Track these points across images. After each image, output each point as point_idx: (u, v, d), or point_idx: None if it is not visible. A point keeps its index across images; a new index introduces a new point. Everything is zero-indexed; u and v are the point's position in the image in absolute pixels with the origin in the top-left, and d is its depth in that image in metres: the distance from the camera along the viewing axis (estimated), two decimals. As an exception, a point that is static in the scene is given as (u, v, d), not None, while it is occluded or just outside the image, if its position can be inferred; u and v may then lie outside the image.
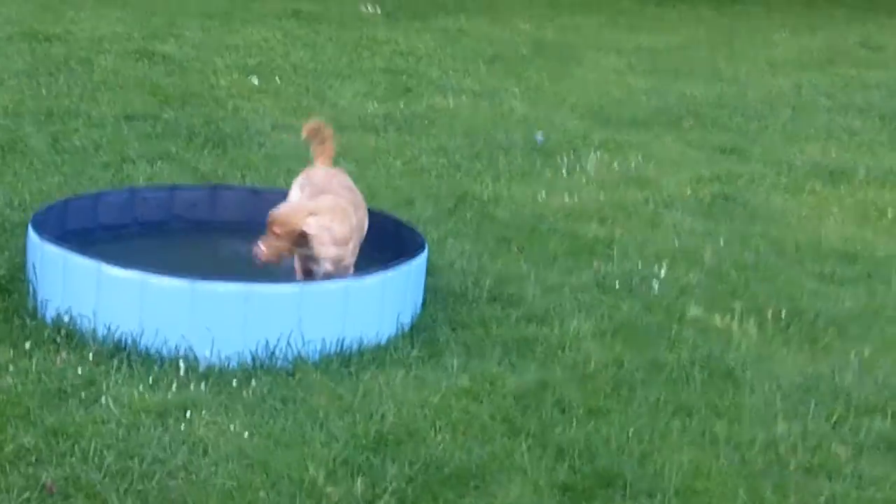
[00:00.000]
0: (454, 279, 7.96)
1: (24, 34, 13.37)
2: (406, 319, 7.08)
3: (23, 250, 7.35)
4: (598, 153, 11.06)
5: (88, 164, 9.60)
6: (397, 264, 6.95)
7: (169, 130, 10.65)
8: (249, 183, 9.51)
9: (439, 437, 6.05)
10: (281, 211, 6.94)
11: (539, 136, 11.45)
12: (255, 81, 12.59)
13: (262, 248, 6.78)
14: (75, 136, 10.22)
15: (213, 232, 7.90)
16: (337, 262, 6.92)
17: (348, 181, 7.56)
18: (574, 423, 6.28)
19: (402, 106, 12.24)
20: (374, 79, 13.13)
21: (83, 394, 6.18)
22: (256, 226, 6.98)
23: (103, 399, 6.15)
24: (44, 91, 11.43)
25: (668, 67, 14.89)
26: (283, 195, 7.62)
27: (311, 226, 6.80)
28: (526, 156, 10.89)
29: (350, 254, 7.00)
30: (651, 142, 11.69)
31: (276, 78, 12.77)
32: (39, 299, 6.87)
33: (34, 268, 6.94)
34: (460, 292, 7.75)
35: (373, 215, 7.76)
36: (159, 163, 9.80)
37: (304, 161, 10.16)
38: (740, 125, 12.60)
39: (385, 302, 6.88)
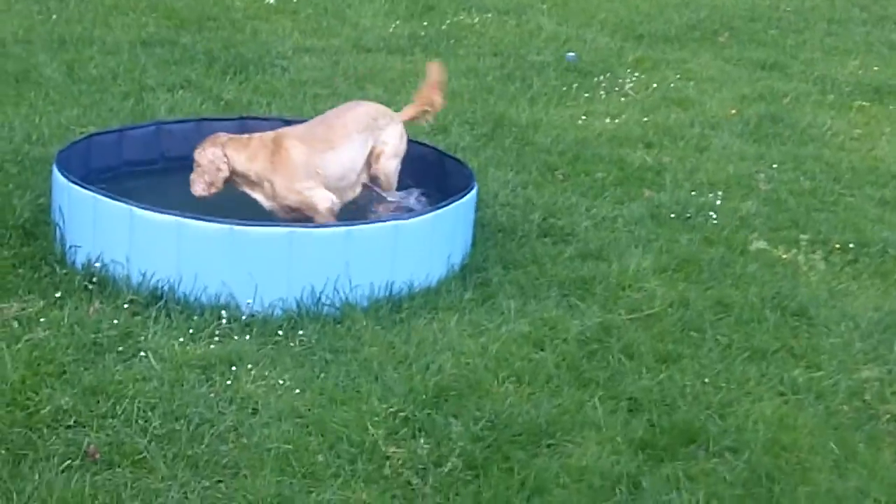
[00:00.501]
0: (500, 213, 7.48)
1: (30, -45, 12.71)
2: (456, 259, 6.62)
3: (47, 190, 6.85)
4: (635, 72, 10.52)
5: (107, 94, 9.08)
6: (447, 202, 6.44)
7: (187, 56, 10.11)
8: (275, 111, 8.99)
9: (503, 390, 5.62)
10: (202, 143, 6.60)
11: (571, 55, 10.91)
12: (272, 1, 12.00)
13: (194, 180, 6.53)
14: (91, 65, 9.68)
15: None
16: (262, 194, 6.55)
17: (357, 118, 6.84)
18: (644, 371, 5.84)
19: (425, 24, 11.68)
20: (395, -3, 12.54)
21: (120, 347, 5.73)
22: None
23: (142, 353, 5.69)
24: (54, 16, 10.87)
25: (695, -21, 14.24)
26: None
27: (199, 152, 6.51)
28: (560, 76, 10.36)
29: (284, 191, 6.47)
30: (688, 59, 11.15)
31: (295, -2, 12.18)
32: (68, 245, 6.41)
33: (61, 211, 6.45)
34: (509, 227, 7.28)
35: (412, 145, 7.27)
36: (180, 91, 9.28)
37: (328, 86, 9.73)
38: (777, 39, 12.04)
39: (435, 242, 6.43)
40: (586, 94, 9.89)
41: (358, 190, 6.80)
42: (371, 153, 6.81)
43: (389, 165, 6.89)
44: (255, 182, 6.50)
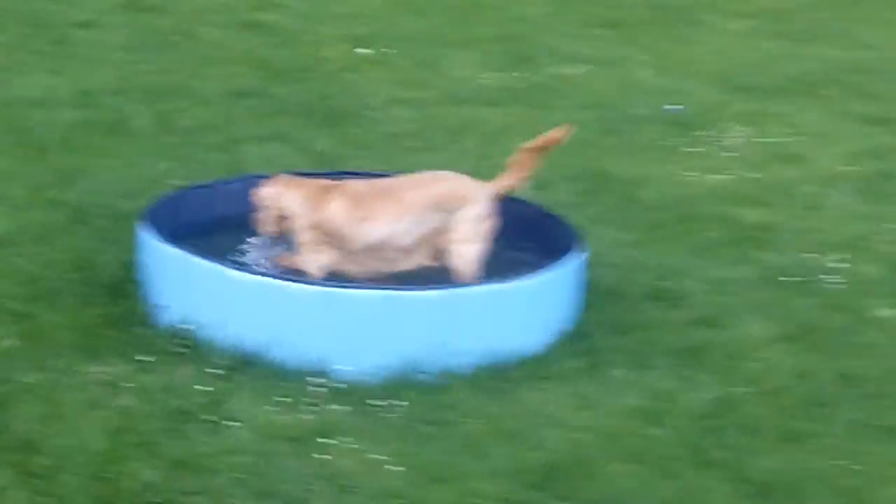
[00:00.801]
0: (607, 274, 7.05)
1: (126, 5, 12.50)
2: (564, 325, 6.20)
3: (135, 246, 6.53)
4: (740, 126, 10.05)
5: (198, 147, 8.79)
6: (555, 265, 6.03)
7: (280, 107, 9.81)
8: (368, 164, 8.64)
9: (615, 469, 5.17)
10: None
11: (673, 108, 10.46)
12: (366, 52, 11.69)
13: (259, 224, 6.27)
14: (183, 116, 9.41)
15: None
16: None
17: (426, 196, 6.25)
18: (769, 451, 5.35)
19: (520, 76, 11.29)
20: (488, 47, 12.16)
21: (209, 415, 5.39)
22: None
23: (232, 422, 5.33)
24: (147, 66, 10.62)
25: (796, 30, 13.72)
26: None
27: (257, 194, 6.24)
28: (662, 130, 9.92)
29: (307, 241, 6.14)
30: (793, 113, 10.64)
31: (387, 48, 11.86)
32: (155, 305, 6.07)
33: (149, 269, 6.16)
34: (617, 290, 6.86)
35: (516, 203, 6.88)
36: (272, 143, 8.96)
37: (423, 139, 9.38)
38: (884, 92, 11.48)
39: (542, 307, 6.02)
40: (690, 149, 9.44)
41: (408, 264, 6.20)
42: (440, 234, 6.20)
43: (463, 251, 6.21)
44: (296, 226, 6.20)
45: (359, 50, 11.69)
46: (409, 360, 5.73)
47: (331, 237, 6.13)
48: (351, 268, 6.16)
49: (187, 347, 5.83)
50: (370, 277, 6.14)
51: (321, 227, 6.12)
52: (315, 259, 6.17)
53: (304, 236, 6.18)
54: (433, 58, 11.72)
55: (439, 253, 6.22)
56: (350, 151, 8.92)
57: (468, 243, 6.16)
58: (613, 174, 8.75)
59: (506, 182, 6.39)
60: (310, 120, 9.55)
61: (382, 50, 11.74)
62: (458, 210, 6.17)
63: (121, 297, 6.31)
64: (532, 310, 6.00)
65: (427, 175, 6.56)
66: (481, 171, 8.52)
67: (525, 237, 6.83)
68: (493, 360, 5.86)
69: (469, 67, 11.47)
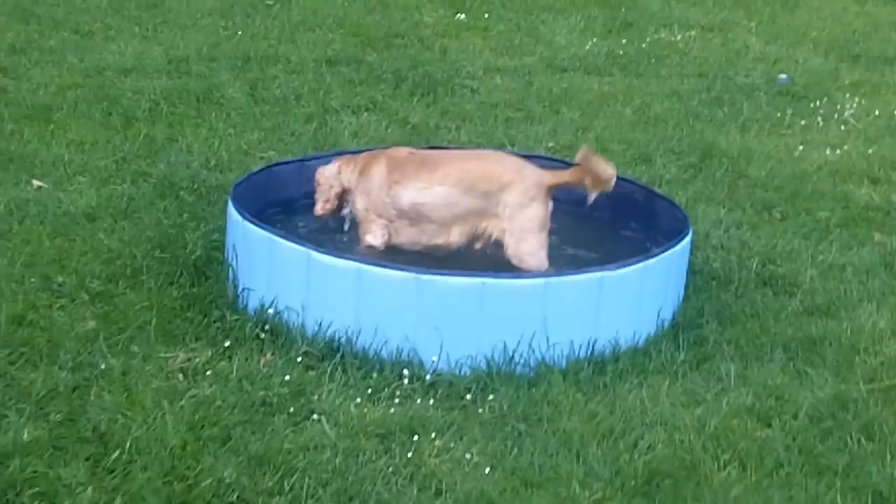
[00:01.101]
0: (713, 257, 6.63)
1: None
2: (667, 314, 5.80)
3: (223, 223, 6.25)
4: (854, 97, 9.51)
5: (290, 116, 8.49)
6: (659, 249, 5.62)
7: (373, 76, 9.46)
8: (465, 135, 8.29)
9: (725, 476, 4.78)
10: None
11: (783, 77, 9.95)
12: (463, 17, 11.30)
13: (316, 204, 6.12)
14: (274, 84, 9.11)
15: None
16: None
17: (468, 170, 5.85)
18: (889, 457, 4.92)
19: (623, 42, 10.83)
20: (589, 12, 11.72)
21: (292, 408, 5.07)
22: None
23: (315, 415, 5.02)
24: (239, 32, 10.34)
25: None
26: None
27: (318, 172, 6.13)
28: (772, 100, 9.42)
29: (362, 216, 5.97)
30: (909, 83, 10.07)
31: (485, 14, 11.46)
32: (240, 287, 5.79)
33: (234, 250, 5.84)
34: (723, 275, 6.43)
35: (618, 183, 6.46)
36: (365, 114, 8.65)
37: (521, 108, 8.98)
38: None
39: (644, 295, 5.63)
40: (802, 122, 8.94)
41: (444, 240, 5.87)
42: (479, 216, 5.81)
43: (514, 247, 5.75)
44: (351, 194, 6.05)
45: (457, 16, 11.31)
46: (504, 351, 5.35)
47: (373, 203, 5.93)
48: (399, 240, 5.95)
49: (272, 333, 5.53)
50: (415, 249, 5.90)
51: (366, 193, 5.96)
52: (372, 232, 5.95)
53: (360, 209, 6.00)
54: (534, 24, 11.30)
55: (479, 237, 5.83)
56: (446, 122, 8.57)
57: (519, 237, 5.72)
58: (721, 148, 8.30)
59: (563, 177, 5.81)
60: (404, 89, 9.21)
61: (482, 16, 11.35)
62: (497, 193, 5.73)
63: (205, 277, 6.03)
64: (634, 298, 5.59)
65: (473, 152, 6.28)
66: (580, 143, 8.18)
67: (629, 218, 6.47)
68: (592, 352, 5.48)
69: (571, 34, 11.03)
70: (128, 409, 4.97)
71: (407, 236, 5.94)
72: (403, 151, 6.12)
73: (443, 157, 6.02)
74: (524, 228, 5.72)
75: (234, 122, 8.31)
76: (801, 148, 8.37)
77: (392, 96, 9.04)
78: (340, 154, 6.54)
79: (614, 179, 5.74)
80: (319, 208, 6.14)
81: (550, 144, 8.19)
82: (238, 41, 10.10)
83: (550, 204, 5.83)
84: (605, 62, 10.21)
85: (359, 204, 6.02)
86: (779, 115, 9.02)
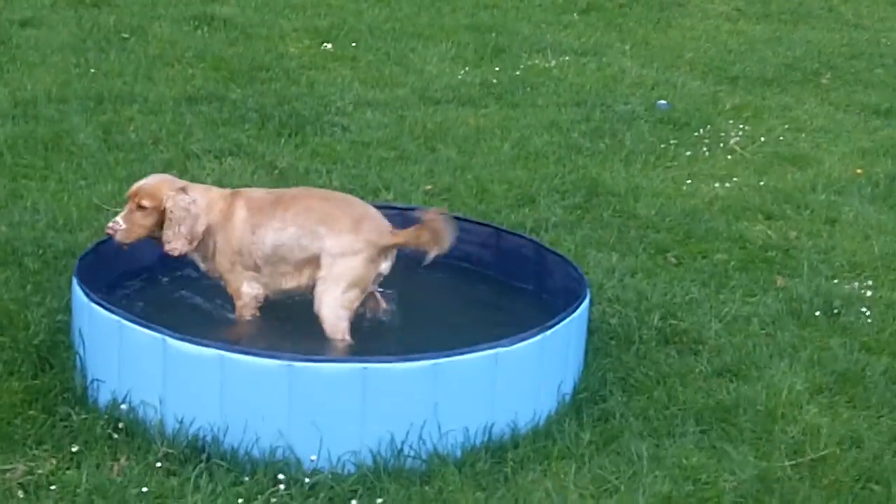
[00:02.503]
0: (611, 311, 6.00)
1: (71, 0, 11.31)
2: (568, 387, 5.15)
3: (69, 300, 5.44)
4: (737, 123, 8.99)
5: (146, 164, 7.66)
6: (558, 318, 4.95)
7: (237, 114, 8.66)
8: (336, 180, 7.55)
9: (647, 585, 4.10)
10: (150, 181, 5.26)
11: (663, 103, 9.39)
12: (329, 47, 10.54)
13: (121, 224, 5.21)
14: (130, 127, 8.28)
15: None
16: (202, 261, 5.28)
17: (307, 209, 5.28)
18: (824, 549, 4.30)
19: (497, 70, 10.18)
20: (459, 39, 11.03)
21: (151, 528, 4.26)
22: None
23: (179, 534, 4.23)
24: (92, 70, 9.44)
25: (782, 11, 12.68)
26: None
27: (171, 199, 5.15)
28: (654, 129, 8.84)
29: (228, 268, 5.19)
30: (792, 105, 9.60)
31: (352, 43, 10.72)
32: (89, 379, 5.01)
33: (81, 334, 5.04)
34: (623, 333, 5.80)
35: (506, 238, 5.90)
36: (229, 158, 7.87)
37: (395, 147, 8.29)
38: (885, 80, 10.45)
39: (543, 369, 4.97)
40: (687, 153, 8.39)
41: (301, 283, 5.28)
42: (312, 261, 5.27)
43: (319, 296, 5.20)
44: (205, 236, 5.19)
45: (323, 46, 10.56)
46: (391, 443, 4.63)
47: (237, 251, 5.24)
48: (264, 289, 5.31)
49: (126, 433, 4.76)
50: (275, 297, 5.30)
51: (228, 241, 5.22)
52: (246, 281, 5.25)
53: (222, 261, 5.22)
54: (403, 53, 10.58)
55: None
56: (316, 166, 7.81)
57: (325, 287, 5.17)
58: (606, 185, 7.68)
59: (404, 237, 5.23)
60: (270, 128, 8.43)
61: (349, 45, 10.62)
62: (324, 238, 5.17)
63: (49, 366, 5.21)
64: (533, 374, 4.92)
65: (326, 193, 5.56)
66: (458, 185, 7.50)
67: (519, 276, 5.87)
68: (490, 438, 4.80)
69: (442, 62, 10.34)
70: (-45, 539, 4.13)
71: (269, 284, 5.29)
72: (259, 191, 5.41)
73: (296, 196, 5.34)
74: (335, 279, 5.13)
75: (86, 173, 7.49)
76: (689, 182, 7.80)
77: (258, 137, 8.26)
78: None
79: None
80: (181, 246, 5.21)
81: (428, 187, 7.52)
82: (91, 79, 9.22)
83: (385, 265, 5.25)
84: (479, 92, 9.56)
85: (221, 255, 5.23)
86: (662, 145, 8.44)
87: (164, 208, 5.13)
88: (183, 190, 5.22)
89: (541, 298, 5.67)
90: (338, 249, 5.15)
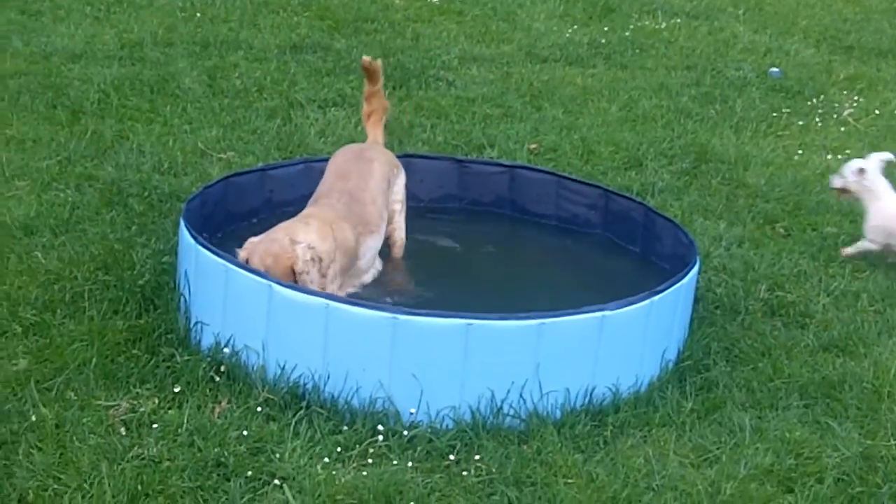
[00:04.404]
0: (717, 280, 5.98)
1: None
2: (672, 354, 5.15)
3: (174, 243, 5.56)
4: (851, 94, 8.86)
5: (251, 111, 7.75)
6: (666, 284, 4.95)
7: (341, 65, 8.73)
8: (440, 135, 7.58)
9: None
10: (267, 249, 4.96)
11: (776, 71, 9.28)
12: (436, 1, 10.55)
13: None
14: (234, 74, 8.38)
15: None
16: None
17: (379, 180, 5.54)
18: (930, 533, 4.27)
19: (605, 30, 10.13)
20: (568, -6, 10.97)
21: (250, 470, 4.37)
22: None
23: (277, 480, 4.31)
24: (198, 14, 9.56)
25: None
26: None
27: (298, 264, 4.95)
28: (765, 97, 8.76)
29: (330, 280, 5.08)
30: (910, 77, 9.42)
31: (459, -4, 10.71)
32: (193, 321, 5.09)
33: (186, 277, 5.13)
34: (728, 302, 5.78)
35: (615, 200, 5.91)
36: (332, 109, 7.93)
37: (501, 104, 8.30)
38: None
39: (648, 334, 4.97)
40: (799, 122, 8.29)
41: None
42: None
43: (403, 223, 5.75)
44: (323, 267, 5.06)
45: (429, -2, 10.58)
46: (491, 401, 4.67)
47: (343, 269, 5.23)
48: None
49: (228, 377, 4.83)
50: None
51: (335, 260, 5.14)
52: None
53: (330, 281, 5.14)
54: (511, 8, 10.57)
55: None
56: (421, 120, 7.86)
57: (404, 212, 5.78)
58: (715, 151, 7.63)
59: (379, 133, 5.89)
60: (375, 80, 8.45)
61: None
62: (396, 179, 5.76)
63: (154, 307, 5.31)
64: (638, 339, 4.93)
65: (355, 155, 5.62)
66: (564, 145, 7.49)
67: (627, 239, 5.95)
68: (590, 401, 4.82)
69: (550, 19, 10.31)
70: (61, 472, 4.28)
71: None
72: (335, 206, 5.34)
73: (354, 187, 5.45)
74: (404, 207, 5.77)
75: (191, 118, 7.59)
76: (800, 152, 7.72)
77: (362, 89, 8.25)
78: (311, 161, 6.10)
79: None
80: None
81: (533, 145, 7.54)
82: (196, 24, 9.34)
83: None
84: (587, 52, 9.52)
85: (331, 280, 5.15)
86: (774, 114, 8.36)
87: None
88: (282, 240, 4.99)
89: (648, 263, 5.69)
90: (401, 188, 5.71)
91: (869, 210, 6.26)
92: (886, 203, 6.22)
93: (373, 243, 5.40)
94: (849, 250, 6.27)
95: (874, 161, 6.27)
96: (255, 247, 4.96)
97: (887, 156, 6.30)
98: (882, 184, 6.26)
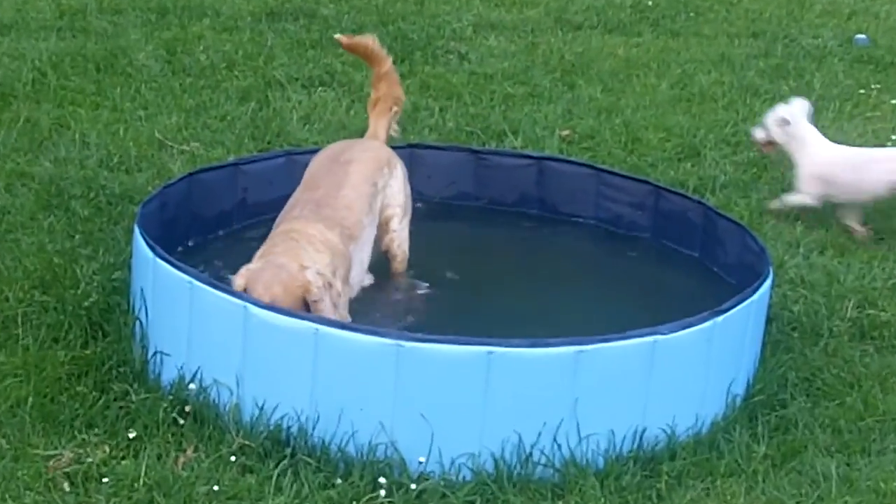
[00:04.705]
0: (793, 296, 6.09)
1: None
2: (740, 387, 5.21)
3: (128, 255, 5.66)
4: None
5: (219, 93, 7.96)
6: (732, 301, 5.02)
7: (328, 36, 8.83)
8: (451, 119, 7.65)
9: None
10: (274, 277, 4.99)
11: (862, 38, 9.38)
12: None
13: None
14: (199, 47, 8.49)
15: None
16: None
17: (364, 178, 5.62)
18: None
19: (655, -8, 10.24)
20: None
21: (222, 537, 4.40)
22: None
23: (256, 550, 4.36)
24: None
25: None
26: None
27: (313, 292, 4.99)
28: (850, 70, 8.87)
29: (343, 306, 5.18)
30: None
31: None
32: (151, 350, 5.14)
33: (143, 296, 5.21)
34: (807, 322, 5.89)
35: (667, 199, 6.12)
36: (319, 89, 8.05)
37: (525, 81, 8.38)
38: None
39: (711, 364, 5.00)
40: (892, 101, 8.34)
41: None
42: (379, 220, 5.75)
43: (404, 231, 5.82)
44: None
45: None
46: (519, 446, 4.72)
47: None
48: None
49: (195, 419, 4.86)
50: None
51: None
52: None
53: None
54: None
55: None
56: (427, 101, 8.00)
57: (405, 218, 5.88)
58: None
59: (382, 125, 6.00)
60: (370, 54, 8.54)
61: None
62: (390, 179, 5.82)
63: (103, 334, 5.38)
64: (698, 368, 4.96)
65: (340, 151, 5.73)
66: (604, 132, 7.53)
67: (683, 243, 6.04)
68: (640, 446, 4.86)
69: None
70: (-9, 536, 4.30)
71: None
72: (312, 211, 5.40)
73: (330, 186, 5.52)
74: (407, 213, 5.87)
75: (146, 101, 7.74)
76: (894, 137, 7.76)
77: (355, 64, 8.37)
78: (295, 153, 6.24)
79: None
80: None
81: (565, 132, 7.67)
82: (153, -13, 9.43)
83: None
84: (630, 16, 9.70)
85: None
86: (861, 90, 8.49)
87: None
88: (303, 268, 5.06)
89: (709, 275, 5.76)
90: (398, 190, 5.79)
91: (800, 160, 6.81)
92: (819, 149, 6.81)
93: (355, 249, 5.41)
94: (775, 204, 6.75)
95: (799, 106, 6.81)
96: (257, 275, 4.99)
97: (805, 103, 6.86)
98: (810, 130, 6.85)
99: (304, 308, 4.94)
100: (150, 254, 5.10)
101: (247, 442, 4.74)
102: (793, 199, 6.75)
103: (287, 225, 5.32)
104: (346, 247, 5.34)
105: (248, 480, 4.62)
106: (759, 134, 6.89)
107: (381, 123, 5.98)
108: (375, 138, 5.92)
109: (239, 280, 5.00)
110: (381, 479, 4.62)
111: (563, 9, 9.65)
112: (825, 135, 6.95)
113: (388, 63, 6.00)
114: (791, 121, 6.76)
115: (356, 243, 5.44)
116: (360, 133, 6.12)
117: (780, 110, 6.83)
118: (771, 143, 6.87)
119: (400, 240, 5.77)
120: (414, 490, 4.62)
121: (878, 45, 9.24)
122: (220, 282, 4.98)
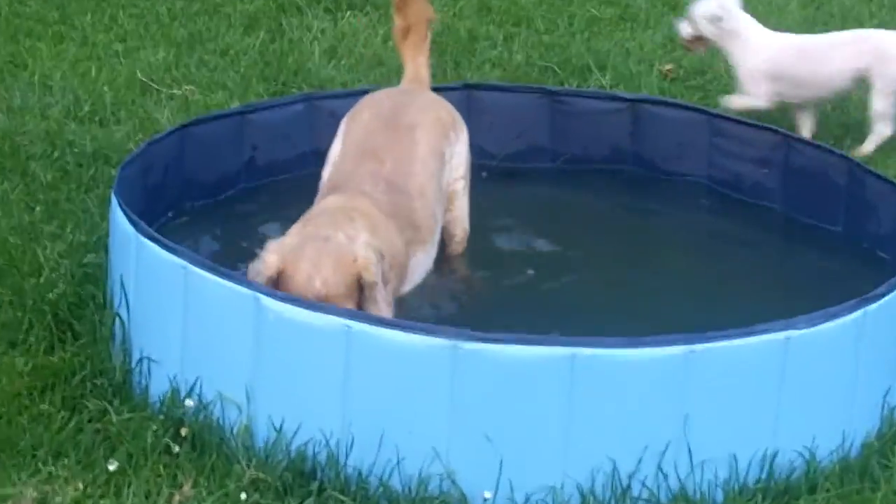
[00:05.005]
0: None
1: None
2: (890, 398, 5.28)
3: (104, 233, 5.79)
4: None
5: (219, 20, 8.10)
6: (886, 288, 5.08)
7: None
8: (521, 53, 7.66)
9: None
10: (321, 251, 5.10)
11: None
12: None
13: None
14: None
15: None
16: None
17: (430, 148, 5.72)
18: None
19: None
20: None
21: None
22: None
23: None
24: None
25: None
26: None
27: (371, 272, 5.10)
28: None
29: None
30: None
31: None
32: (135, 356, 5.24)
33: (123, 286, 5.29)
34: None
35: (801, 152, 6.18)
36: (347, 13, 8.19)
37: (613, 2, 8.42)
38: None
39: (860, 367, 5.07)
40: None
41: None
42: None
43: (467, 205, 5.95)
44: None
45: None
46: (613, 475, 4.78)
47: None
48: None
49: (193, 445, 4.94)
50: None
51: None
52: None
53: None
54: None
55: None
56: (485, 28, 8.19)
57: (467, 189, 6.05)
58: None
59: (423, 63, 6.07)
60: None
61: None
62: (455, 143, 5.97)
63: (73, 333, 5.50)
64: (844, 373, 5.03)
65: (395, 107, 5.82)
66: (717, 67, 7.54)
67: (821, 211, 6.10)
68: (771, 473, 4.92)
69: None
70: None
71: None
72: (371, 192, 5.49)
73: (401, 159, 5.61)
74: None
75: (125, 31, 7.93)
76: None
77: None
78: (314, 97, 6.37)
79: None
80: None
81: (667, 66, 7.80)
82: None
83: None
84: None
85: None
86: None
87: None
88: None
89: (856, 250, 5.82)
90: (463, 157, 5.91)
91: (740, 57, 7.27)
92: (760, 38, 7.23)
93: (424, 258, 5.52)
94: (735, 102, 7.16)
95: None
96: (298, 252, 5.02)
97: None
98: (745, 19, 7.30)
99: (355, 298, 4.96)
100: (132, 230, 5.22)
101: (261, 474, 4.82)
102: (739, 102, 7.09)
103: (351, 200, 5.31)
104: (407, 255, 5.40)
105: (263, 526, 4.71)
106: (685, 29, 7.21)
107: (420, 61, 5.99)
108: (418, 82, 5.91)
109: (271, 257, 5.01)
110: (434, 517, 4.70)
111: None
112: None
113: None
114: (723, 15, 7.11)
115: (425, 248, 5.52)
116: (401, 71, 6.12)
117: (709, 4, 7.12)
118: (700, 38, 7.19)
119: (462, 217, 5.80)
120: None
121: None
122: (223, 266, 5.02)
